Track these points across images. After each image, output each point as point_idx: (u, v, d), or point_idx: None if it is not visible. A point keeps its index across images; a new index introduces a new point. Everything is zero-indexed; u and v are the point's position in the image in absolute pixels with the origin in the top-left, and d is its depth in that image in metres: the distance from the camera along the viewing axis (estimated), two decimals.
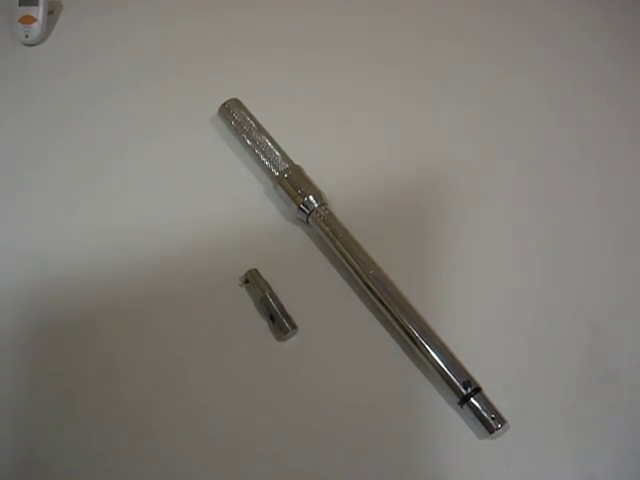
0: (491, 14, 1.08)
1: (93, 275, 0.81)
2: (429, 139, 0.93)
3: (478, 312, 0.78)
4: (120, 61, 1.02)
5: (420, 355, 0.72)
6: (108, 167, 0.90)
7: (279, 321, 0.75)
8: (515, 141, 0.93)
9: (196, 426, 0.71)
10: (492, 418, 0.68)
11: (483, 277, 0.81)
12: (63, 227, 0.85)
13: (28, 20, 1.02)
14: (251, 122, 0.89)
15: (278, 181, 0.83)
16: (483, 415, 0.68)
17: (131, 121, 0.95)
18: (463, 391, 0.69)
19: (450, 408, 0.71)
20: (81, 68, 1.01)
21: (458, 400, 0.69)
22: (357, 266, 0.77)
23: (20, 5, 1.03)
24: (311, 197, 0.81)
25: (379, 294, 0.75)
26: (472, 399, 0.68)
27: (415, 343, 0.72)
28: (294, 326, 0.75)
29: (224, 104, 0.91)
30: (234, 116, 0.89)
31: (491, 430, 0.67)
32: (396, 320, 0.73)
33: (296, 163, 0.85)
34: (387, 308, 0.74)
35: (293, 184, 0.82)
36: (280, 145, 0.87)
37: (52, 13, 1.06)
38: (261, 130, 0.88)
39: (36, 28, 1.02)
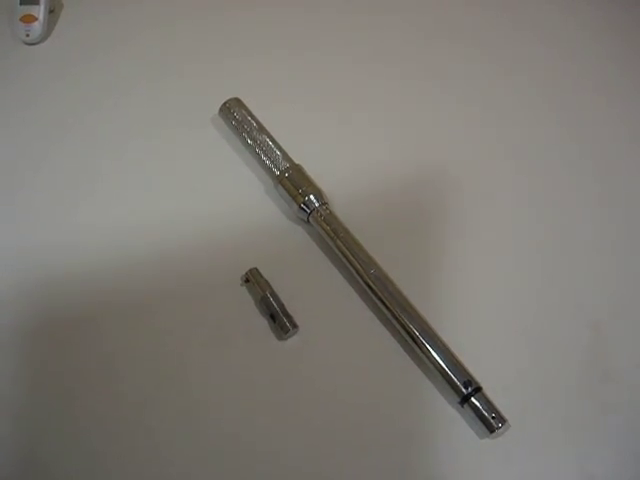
0: (491, 14, 1.08)
1: (93, 274, 0.81)
2: (429, 139, 0.93)
3: (478, 312, 0.78)
4: (121, 60, 1.02)
5: (421, 354, 0.72)
6: (109, 166, 0.90)
7: (280, 320, 0.75)
8: (515, 141, 0.93)
9: (196, 425, 0.71)
10: (493, 417, 0.68)
11: (483, 277, 0.81)
12: (63, 226, 0.85)
13: (29, 19, 1.01)
14: (252, 121, 0.89)
15: (279, 180, 0.83)
16: (484, 414, 0.68)
17: (131, 120, 0.95)
18: (464, 390, 0.69)
19: (451, 407, 0.72)
20: (82, 67, 1.01)
21: (459, 399, 0.70)
22: (358, 265, 0.77)
23: (21, 4, 1.02)
24: (312, 196, 0.81)
25: (380, 293, 0.75)
26: (473, 398, 0.68)
27: (416, 342, 0.72)
28: (295, 325, 0.75)
29: (225, 103, 0.91)
30: (235, 115, 0.89)
31: (492, 429, 0.67)
32: (397, 319, 0.74)
33: (297, 162, 0.85)
34: (388, 307, 0.74)
35: (294, 183, 0.82)
36: (281, 144, 0.87)
37: (53, 12, 1.06)
38: (262, 129, 0.88)
39: (37, 27, 1.02)
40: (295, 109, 0.95)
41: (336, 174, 0.86)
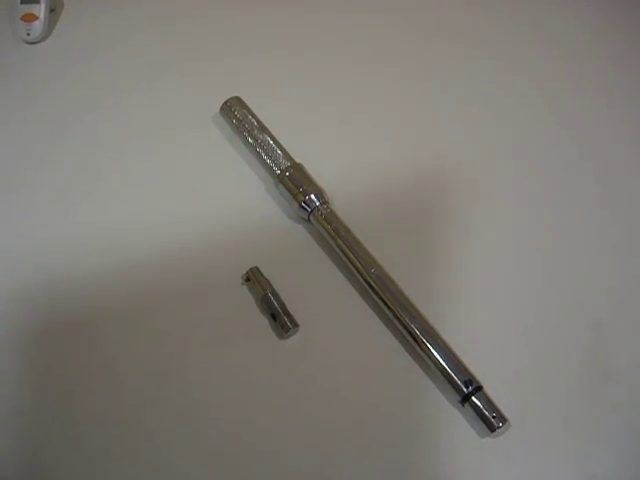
0: (491, 14, 1.08)
1: (93, 274, 0.81)
2: (429, 139, 0.93)
3: (479, 311, 0.78)
4: (121, 59, 1.01)
5: (421, 354, 0.72)
6: (109, 165, 0.90)
7: (280, 319, 0.75)
8: (515, 141, 0.93)
9: (197, 425, 0.71)
10: (493, 417, 0.68)
11: (484, 276, 0.81)
12: (64, 226, 0.85)
13: (30, 18, 1.01)
14: (253, 120, 0.89)
15: (279, 179, 0.84)
16: (484, 414, 0.68)
17: (132, 119, 0.95)
18: (464, 390, 0.69)
19: (451, 407, 0.72)
20: (82, 66, 1.01)
21: (459, 399, 0.70)
22: (358, 264, 0.77)
23: (22, 3, 1.02)
24: (312, 195, 0.81)
25: (380, 292, 0.75)
26: (473, 398, 0.69)
27: (416, 342, 0.72)
28: (295, 324, 0.75)
29: (226, 102, 0.91)
30: (236, 114, 0.89)
31: (492, 429, 0.68)
32: (397, 319, 0.74)
33: (297, 161, 0.85)
34: (388, 307, 0.74)
35: (294, 182, 0.82)
36: (281, 144, 0.87)
37: (54, 11, 1.06)
38: (263, 128, 0.88)
39: (38, 26, 1.02)
40: (295, 109, 0.95)
41: (337, 173, 0.86)
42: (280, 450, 0.70)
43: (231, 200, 0.86)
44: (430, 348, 0.71)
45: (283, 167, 0.84)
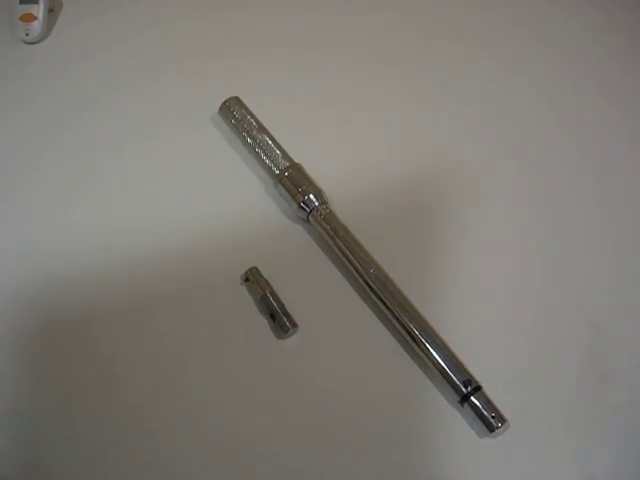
0: (491, 14, 1.08)
1: (92, 274, 0.81)
2: (429, 139, 0.93)
3: (478, 311, 0.78)
4: (120, 59, 1.01)
5: (420, 354, 0.72)
6: (108, 165, 0.90)
7: (279, 319, 0.74)
8: (515, 141, 0.93)
9: (196, 425, 0.71)
10: (492, 417, 0.68)
11: (483, 277, 0.81)
12: (62, 226, 0.85)
13: (29, 18, 1.01)
14: (251, 120, 0.89)
15: (278, 179, 0.83)
16: (483, 414, 0.68)
17: (130, 119, 0.95)
18: (463, 390, 0.69)
19: (450, 407, 0.71)
20: (81, 66, 1.01)
21: (458, 399, 0.69)
22: (357, 265, 0.77)
23: (21, 3, 1.02)
24: (312, 195, 0.81)
25: (379, 293, 0.75)
26: (472, 398, 0.68)
27: (415, 342, 0.72)
28: (294, 325, 0.75)
29: (225, 102, 0.91)
30: (234, 114, 0.89)
31: (491, 429, 0.67)
32: (396, 319, 0.73)
33: (296, 162, 0.85)
34: (387, 307, 0.74)
35: (293, 182, 0.82)
36: (280, 144, 0.87)
37: (53, 11, 1.06)
38: (262, 128, 0.88)
39: (36, 26, 1.02)
40: (295, 109, 0.95)
41: (336, 173, 0.86)
42: (279, 450, 0.70)
43: (230, 200, 0.86)
44: (429, 348, 0.71)
45: (282, 167, 0.84)
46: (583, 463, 0.69)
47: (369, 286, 0.76)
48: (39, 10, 1.02)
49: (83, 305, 0.79)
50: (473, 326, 0.76)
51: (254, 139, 0.87)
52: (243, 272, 0.79)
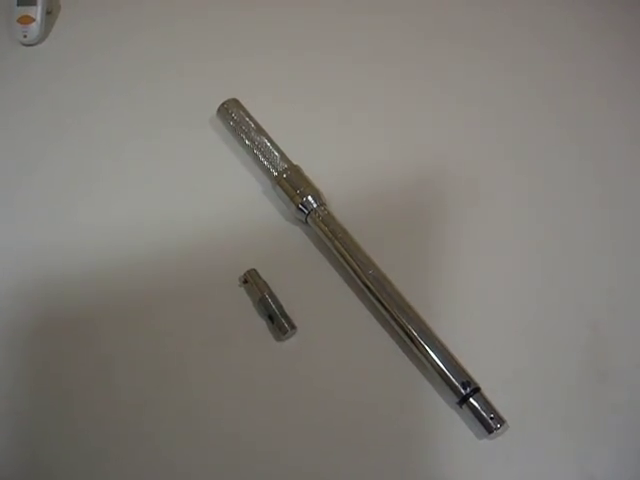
0: (491, 14, 1.08)
1: (92, 274, 0.81)
2: (429, 139, 0.93)
3: (478, 312, 0.78)
4: (119, 61, 1.02)
5: (419, 355, 0.72)
6: (107, 166, 0.90)
7: (278, 321, 0.74)
8: (515, 141, 0.93)
9: (196, 426, 0.71)
10: (491, 418, 0.67)
11: (483, 277, 0.81)
12: (62, 226, 0.85)
13: (26, 20, 1.01)
14: (250, 122, 0.89)
15: (277, 181, 0.83)
16: (482, 415, 0.68)
17: (129, 121, 0.95)
18: (462, 391, 0.69)
19: (449, 408, 0.71)
20: (79, 68, 1.01)
21: (457, 400, 0.69)
22: (356, 266, 0.76)
23: (18, 5, 1.02)
24: (310, 197, 0.81)
25: (378, 294, 0.75)
26: (471, 399, 0.68)
27: (414, 343, 0.72)
28: (293, 326, 0.75)
29: (223, 104, 0.91)
30: (233, 116, 0.89)
31: (490, 430, 0.67)
32: (395, 320, 0.73)
33: (295, 163, 0.85)
34: (386, 308, 0.74)
35: (292, 184, 0.82)
36: (279, 145, 0.87)
37: (50, 13, 1.06)
38: (260, 130, 0.88)
39: (34, 28, 1.02)
40: (295, 109, 0.95)
41: (334, 175, 0.86)
42: (278, 450, 0.70)
43: (228, 202, 0.86)
44: (428, 349, 0.71)
45: (280, 169, 0.84)
46: (583, 463, 0.69)
47: (367, 287, 0.76)
48: (37, 12, 1.02)
49: (83, 304, 0.79)
50: (472, 326, 0.76)
51: (252, 141, 0.87)
52: (242, 274, 0.79)
